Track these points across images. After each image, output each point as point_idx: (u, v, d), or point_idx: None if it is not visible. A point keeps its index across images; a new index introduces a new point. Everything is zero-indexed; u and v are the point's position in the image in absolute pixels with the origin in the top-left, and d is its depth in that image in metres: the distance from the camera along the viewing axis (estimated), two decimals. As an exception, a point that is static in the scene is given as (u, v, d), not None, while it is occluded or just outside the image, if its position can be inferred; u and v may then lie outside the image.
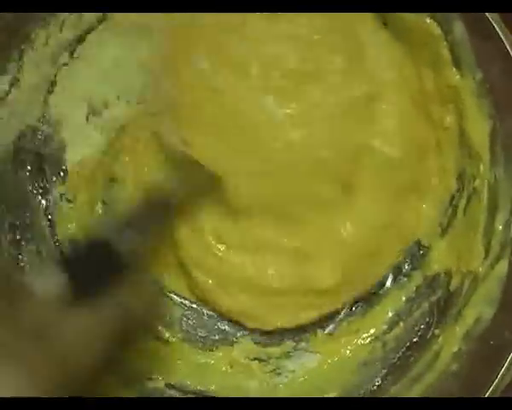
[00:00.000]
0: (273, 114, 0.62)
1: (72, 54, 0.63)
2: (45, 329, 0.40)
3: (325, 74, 0.62)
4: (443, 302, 0.63)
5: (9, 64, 0.58)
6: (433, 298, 0.64)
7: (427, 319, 0.63)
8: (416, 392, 0.59)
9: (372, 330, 0.67)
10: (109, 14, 0.62)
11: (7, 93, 0.59)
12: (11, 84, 0.59)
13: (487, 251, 0.59)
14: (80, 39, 0.62)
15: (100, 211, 0.68)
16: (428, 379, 0.59)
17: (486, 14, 0.56)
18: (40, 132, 0.64)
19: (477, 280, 0.59)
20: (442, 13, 0.58)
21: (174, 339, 0.68)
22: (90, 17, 0.61)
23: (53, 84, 0.63)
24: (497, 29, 0.56)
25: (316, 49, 0.62)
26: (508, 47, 0.56)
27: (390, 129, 0.64)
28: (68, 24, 0.60)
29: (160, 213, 0.60)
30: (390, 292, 0.67)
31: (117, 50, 0.65)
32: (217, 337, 0.69)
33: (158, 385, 0.64)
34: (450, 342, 0.59)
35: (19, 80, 0.59)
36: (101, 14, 0.62)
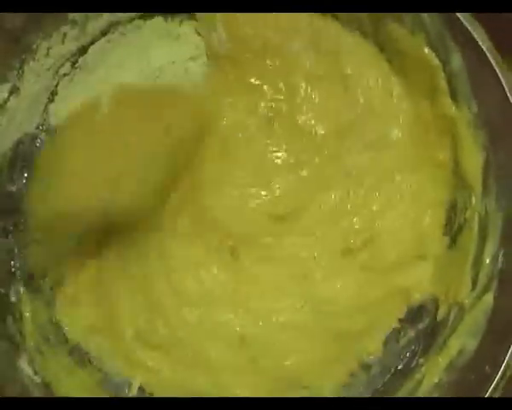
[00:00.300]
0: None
1: (73, 64, 0.63)
2: None
3: None
4: (429, 331, 0.63)
5: (10, 73, 0.58)
6: (421, 326, 0.64)
7: (413, 347, 0.63)
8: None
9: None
10: (113, 27, 0.63)
11: (5, 101, 0.59)
12: (10, 92, 0.59)
13: (475, 283, 0.59)
14: (83, 51, 0.63)
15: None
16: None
17: (483, 47, 0.56)
18: (38, 140, 0.65)
19: (463, 311, 0.59)
20: (440, 44, 0.59)
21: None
22: (93, 30, 0.62)
23: (53, 93, 0.63)
24: (493, 63, 0.56)
25: None
26: (503, 81, 0.56)
27: None
28: (70, 36, 0.60)
29: None
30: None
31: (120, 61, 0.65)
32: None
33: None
34: (433, 372, 0.59)
35: (19, 89, 0.59)
36: (104, 26, 0.62)
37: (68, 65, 0.63)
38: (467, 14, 0.57)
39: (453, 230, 0.63)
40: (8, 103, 0.59)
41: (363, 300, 0.63)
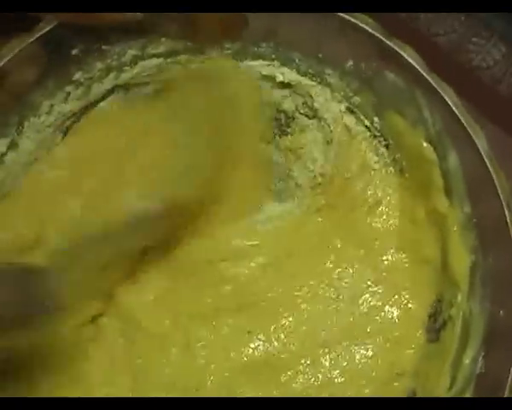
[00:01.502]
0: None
1: (75, 122, 0.63)
2: None
3: None
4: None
5: (9, 128, 0.58)
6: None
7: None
8: None
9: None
10: (116, 87, 0.63)
11: (3, 155, 0.59)
12: (8, 147, 0.59)
13: (452, 383, 0.59)
14: (85, 110, 0.63)
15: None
16: None
17: (481, 150, 0.57)
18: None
19: (439, 409, 0.59)
20: (439, 140, 0.59)
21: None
22: (97, 90, 0.62)
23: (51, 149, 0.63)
24: (490, 168, 0.56)
25: None
26: (497, 184, 0.56)
27: None
28: (74, 96, 0.61)
29: None
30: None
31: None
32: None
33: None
34: None
35: (17, 144, 0.59)
36: (109, 87, 0.62)
37: (69, 123, 0.63)
38: (468, 116, 0.57)
39: (437, 324, 0.63)
40: (6, 157, 0.59)
41: None
